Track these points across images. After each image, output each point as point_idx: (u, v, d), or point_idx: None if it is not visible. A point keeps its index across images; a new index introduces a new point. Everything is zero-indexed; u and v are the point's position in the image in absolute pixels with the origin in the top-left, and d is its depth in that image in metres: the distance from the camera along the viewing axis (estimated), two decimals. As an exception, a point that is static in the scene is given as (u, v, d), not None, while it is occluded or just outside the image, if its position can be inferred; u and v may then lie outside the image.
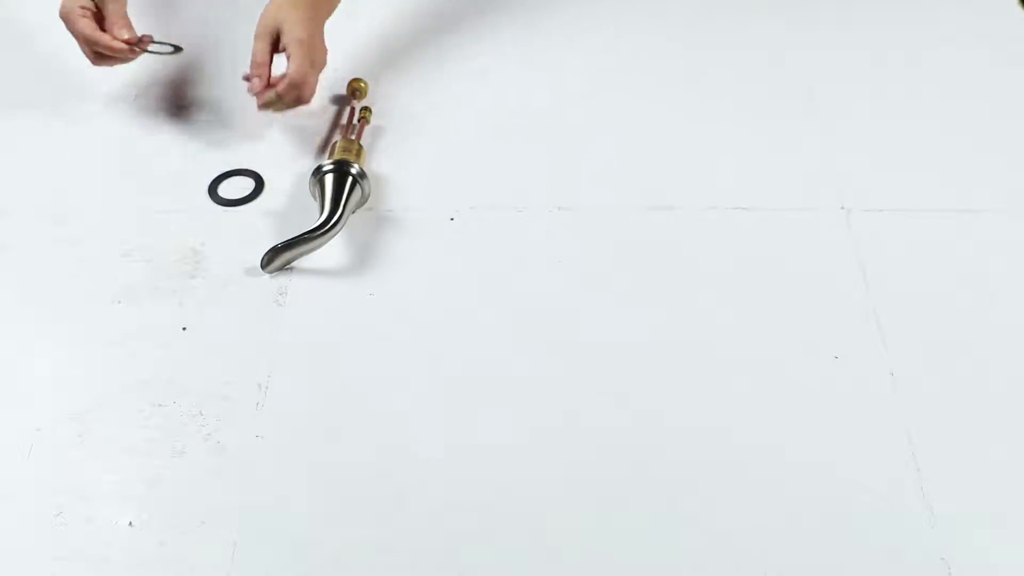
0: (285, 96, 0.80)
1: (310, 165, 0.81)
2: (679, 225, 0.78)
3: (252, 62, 0.82)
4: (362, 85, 0.89)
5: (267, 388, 0.67)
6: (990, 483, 0.61)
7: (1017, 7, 1.02)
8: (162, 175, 0.84)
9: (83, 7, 0.80)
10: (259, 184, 0.82)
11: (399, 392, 0.67)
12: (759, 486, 0.61)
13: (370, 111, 0.87)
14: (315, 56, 0.82)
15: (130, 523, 0.60)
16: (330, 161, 0.78)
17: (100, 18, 0.82)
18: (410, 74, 0.94)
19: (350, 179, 0.77)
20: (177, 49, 0.86)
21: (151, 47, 0.83)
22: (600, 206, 0.80)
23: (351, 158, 0.79)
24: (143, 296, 0.73)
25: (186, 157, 0.85)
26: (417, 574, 0.58)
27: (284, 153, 0.85)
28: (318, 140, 0.87)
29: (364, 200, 0.79)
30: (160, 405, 0.66)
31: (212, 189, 0.82)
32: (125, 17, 0.82)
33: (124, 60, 0.83)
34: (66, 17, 0.81)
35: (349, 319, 0.72)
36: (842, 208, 0.79)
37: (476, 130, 0.88)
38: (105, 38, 0.80)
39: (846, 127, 0.87)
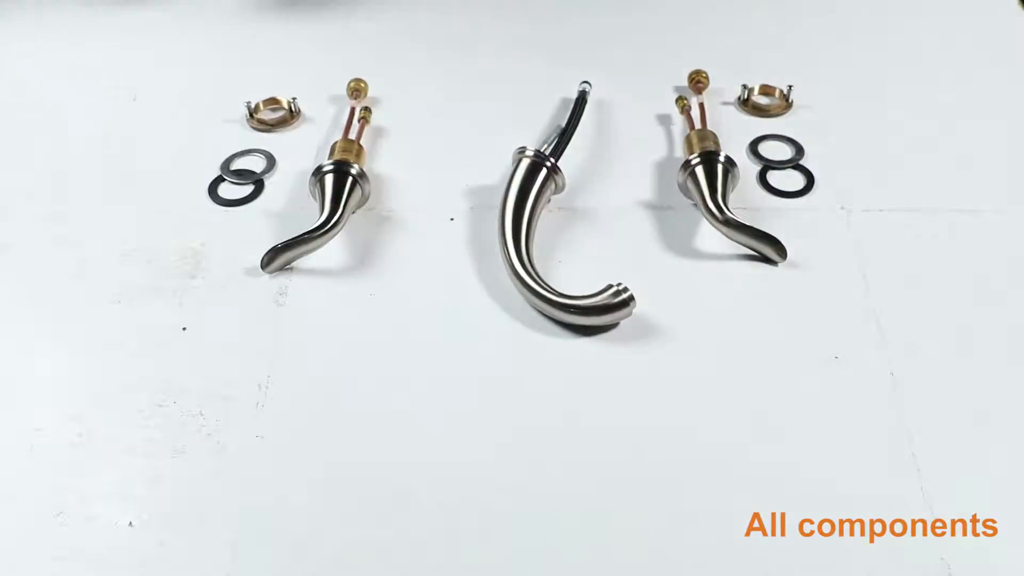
0: None
1: (310, 165, 0.81)
2: (678, 224, 0.78)
3: None
4: (362, 85, 0.89)
5: (267, 388, 0.67)
6: (990, 483, 0.61)
7: (1017, 7, 1.02)
8: (162, 175, 0.83)
9: None
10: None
11: (399, 392, 0.67)
12: (758, 486, 0.61)
13: (370, 111, 0.87)
14: None
15: (130, 523, 0.60)
16: (330, 161, 0.78)
17: None
18: (410, 74, 0.94)
19: (350, 179, 0.77)
20: None
21: None
22: (600, 206, 0.80)
23: (351, 158, 0.79)
24: (143, 296, 0.73)
25: (186, 157, 0.85)
26: (417, 574, 0.58)
27: (284, 152, 0.85)
28: (318, 140, 0.87)
29: (364, 200, 0.79)
30: (160, 405, 0.66)
31: (212, 189, 0.82)
32: None
33: None
34: None
35: (349, 319, 0.72)
36: (842, 208, 0.79)
37: (477, 130, 0.87)
38: None
39: (846, 126, 0.87)
